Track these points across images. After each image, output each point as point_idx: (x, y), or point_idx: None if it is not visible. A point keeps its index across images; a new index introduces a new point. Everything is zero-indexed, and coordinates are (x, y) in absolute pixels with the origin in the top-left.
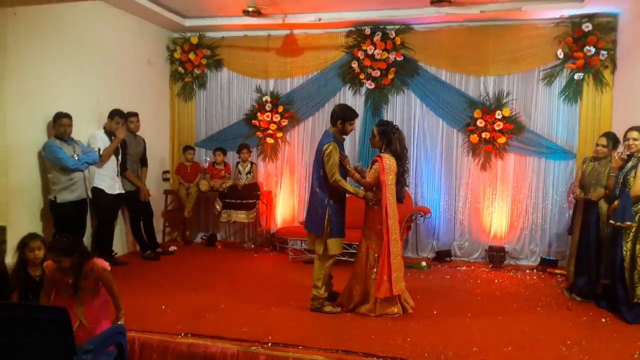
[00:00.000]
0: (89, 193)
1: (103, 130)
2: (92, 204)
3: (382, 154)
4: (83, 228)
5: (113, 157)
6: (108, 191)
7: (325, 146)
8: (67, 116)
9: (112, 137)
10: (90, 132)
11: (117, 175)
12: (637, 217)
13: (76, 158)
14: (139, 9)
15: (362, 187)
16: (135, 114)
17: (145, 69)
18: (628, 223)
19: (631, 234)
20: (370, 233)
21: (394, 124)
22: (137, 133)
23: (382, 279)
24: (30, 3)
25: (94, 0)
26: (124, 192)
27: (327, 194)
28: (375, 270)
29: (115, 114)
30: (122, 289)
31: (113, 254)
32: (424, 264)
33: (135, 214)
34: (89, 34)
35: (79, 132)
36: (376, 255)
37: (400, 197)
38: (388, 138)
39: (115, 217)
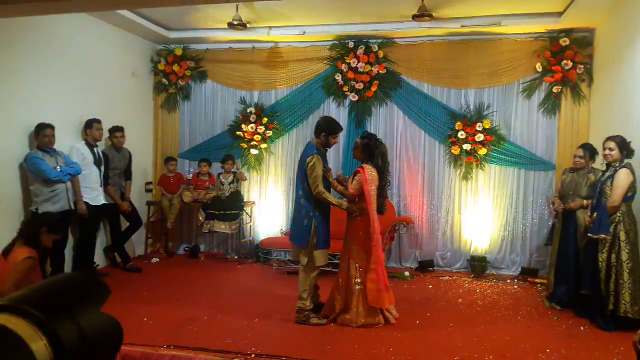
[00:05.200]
0: (72, 205)
1: (84, 142)
2: (74, 216)
3: (364, 165)
4: (65, 239)
5: (96, 169)
6: (91, 203)
7: (309, 158)
8: (50, 127)
9: (94, 147)
10: (71, 144)
11: (101, 186)
12: (612, 227)
13: (59, 169)
14: (122, 21)
15: (344, 199)
16: (121, 129)
17: (129, 80)
18: (603, 236)
19: (607, 245)
20: (352, 244)
21: (377, 137)
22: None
23: (378, 288)
24: (12, 15)
25: (77, 13)
26: (107, 203)
27: (312, 205)
28: (358, 280)
29: (92, 121)
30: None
31: (95, 265)
32: (407, 274)
33: (118, 226)
34: (71, 46)
35: (61, 143)
36: (357, 265)
37: (381, 209)
38: (370, 151)
39: (97, 229)
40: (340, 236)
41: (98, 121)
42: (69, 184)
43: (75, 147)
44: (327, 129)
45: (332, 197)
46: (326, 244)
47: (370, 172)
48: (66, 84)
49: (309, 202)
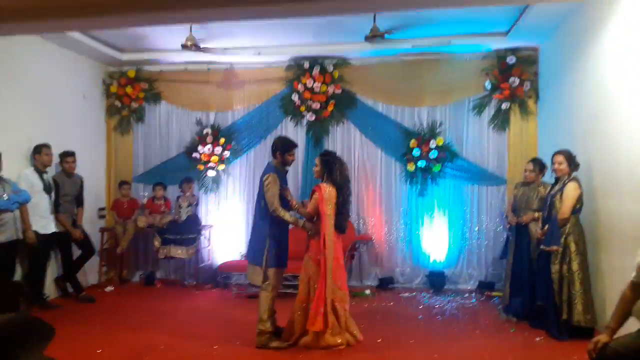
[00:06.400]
0: (20, 234)
1: (33, 168)
2: (23, 246)
3: (321, 184)
4: (12, 271)
5: (46, 196)
6: (41, 231)
7: (265, 177)
8: None
9: (44, 173)
10: (19, 170)
11: (51, 214)
12: (563, 239)
13: (6, 198)
14: (72, 42)
15: (303, 218)
16: (72, 154)
17: (80, 103)
18: (554, 247)
19: (558, 256)
20: (311, 263)
21: (337, 154)
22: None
23: (317, 311)
24: None
25: (26, 35)
26: (58, 231)
27: (267, 223)
28: None
29: (41, 146)
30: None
31: (45, 297)
32: (367, 292)
33: (69, 255)
34: (18, 68)
35: (8, 170)
36: (316, 285)
37: (343, 227)
38: (329, 167)
39: (48, 258)
40: (300, 256)
41: (47, 146)
42: (17, 212)
43: (24, 174)
44: (280, 147)
45: (288, 215)
46: (281, 263)
47: (328, 191)
48: (13, 108)
49: (265, 221)
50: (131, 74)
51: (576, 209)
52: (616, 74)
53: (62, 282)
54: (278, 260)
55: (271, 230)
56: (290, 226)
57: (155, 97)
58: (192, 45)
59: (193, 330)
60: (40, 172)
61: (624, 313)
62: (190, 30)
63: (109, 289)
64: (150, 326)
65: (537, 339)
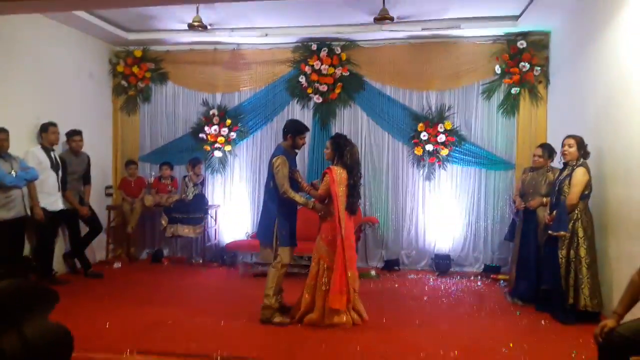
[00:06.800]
0: (28, 211)
1: (40, 146)
2: (31, 222)
3: (332, 166)
4: (21, 247)
5: (53, 173)
6: (49, 208)
7: (274, 159)
8: (3, 130)
9: (51, 151)
10: (27, 148)
11: (59, 191)
12: (571, 224)
13: (14, 175)
14: (80, 22)
15: (312, 199)
16: (79, 132)
17: (87, 82)
18: (562, 233)
19: (566, 242)
20: (322, 244)
21: (347, 137)
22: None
23: (341, 289)
24: None
25: (32, 13)
26: (65, 208)
27: (276, 204)
28: (325, 280)
29: (48, 125)
30: (63, 309)
31: (53, 272)
32: (373, 272)
33: (77, 232)
34: (26, 47)
35: (16, 148)
36: (326, 265)
37: (354, 208)
38: (340, 150)
39: (55, 234)
40: (309, 237)
41: (54, 124)
42: (25, 189)
43: (31, 152)
44: (293, 129)
45: (298, 197)
46: (291, 242)
47: (339, 173)
48: (20, 87)
49: (274, 202)
50: (138, 53)
51: (585, 195)
52: (631, 60)
53: (70, 258)
54: (289, 239)
55: (280, 211)
56: (299, 207)
57: (161, 77)
58: (198, 26)
59: (200, 307)
60: (48, 150)
61: (632, 298)
62: (197, 11)
63: (117, 265)
64: (158, 302)
65: (543, 322)
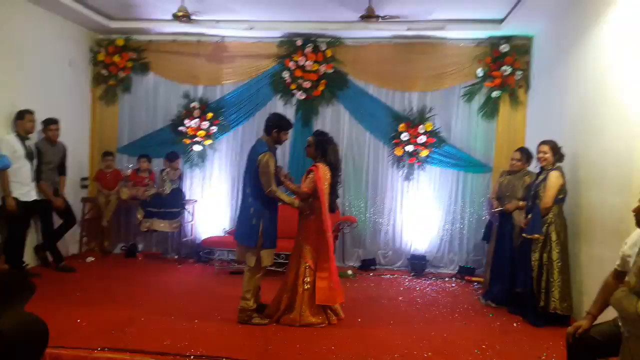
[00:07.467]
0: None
1: (15, 134)
2: (2, 212)
3: (317, 164)
4: None
5: (27, 163)
6: (22, 198)
7: (261, 156)
8: None
9: (26, 140)
10: (1, 136)
11: (32, 181)
12: (544, 228)
13: None
14: (60, 7)
15: (296, 197)
16: (56, 121)
17: (66, 70)
18: (536, 236)
19: (539, 245)
20: (304, 243)
21: (329, 135)
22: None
23: (330, 285)
24: None
25: None
26: (39, 199)
27: (260, 204)
28: (307, 279)
29: (24, 112)
30: (32, 303)
31: (24, 265)
32: (350, 272)
33: (50, 223)
34: (2, 31)
35: None
36: (307, 265)
37: (333, 207)
38: (324, 148)
39: (27, 226)
40: (287, 235)
41: (30, 112)
42: None
43: (5, 139)
44: (278, 125)
45: (284, 196)
46: (273, 244)
47: (323, 171)
48: None
49: (258, 201)
50: (120, 42)
51: (559, 199)
52: (608, 69)
53: (41, 250)
54: (270, 241)
55: (264, 210)
56: (279, 204)
57: (143, 68)
58: (183, 16)
59: (174, 304)
60: (23, 138)
61: (605, 300)
62: (183, 1)
63: (90, 259)
64: (131, 298)
65: (515, 324)
